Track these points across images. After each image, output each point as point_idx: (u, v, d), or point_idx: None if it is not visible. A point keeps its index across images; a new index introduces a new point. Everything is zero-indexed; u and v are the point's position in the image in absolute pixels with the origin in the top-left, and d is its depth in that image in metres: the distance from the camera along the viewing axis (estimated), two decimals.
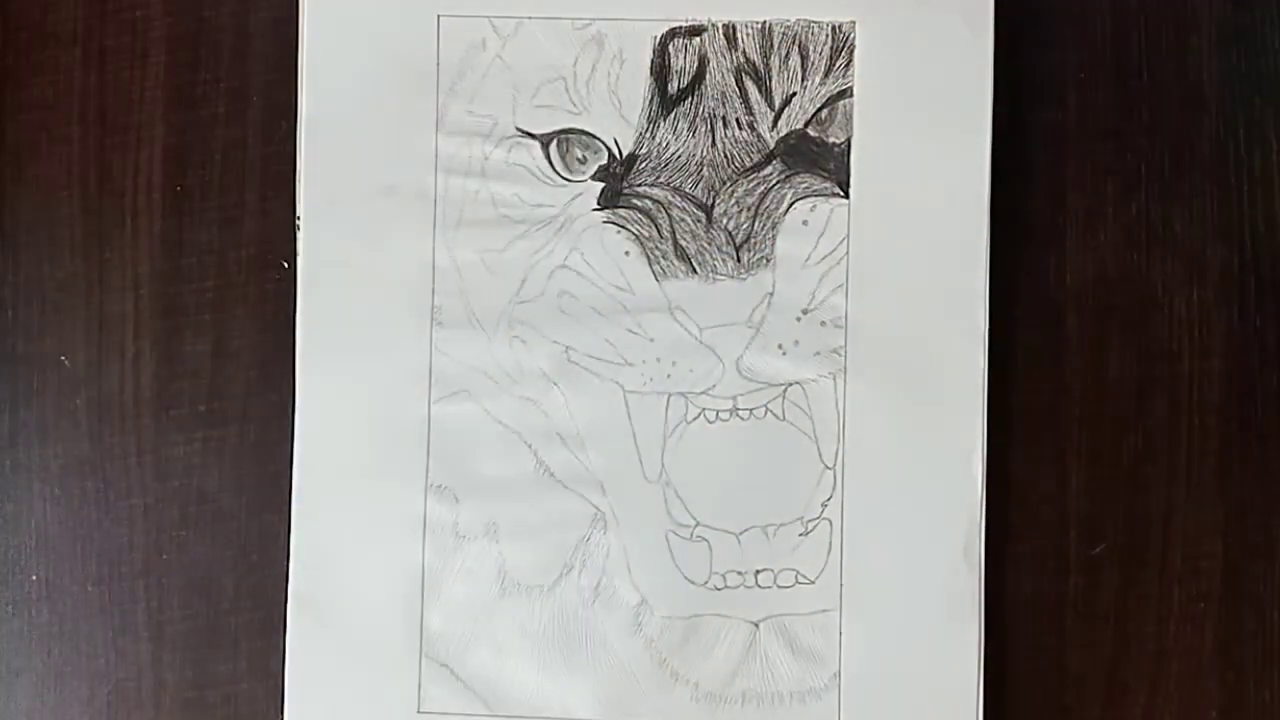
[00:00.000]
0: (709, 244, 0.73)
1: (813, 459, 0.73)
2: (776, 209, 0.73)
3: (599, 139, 0.74)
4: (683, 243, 0.73)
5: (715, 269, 0.73)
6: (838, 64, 0.73)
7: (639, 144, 0.74)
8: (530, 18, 0.74)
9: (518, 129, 0.74)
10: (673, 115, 0.73)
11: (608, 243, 0.73)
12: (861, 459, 0.73)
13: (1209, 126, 0.74)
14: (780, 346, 0.73)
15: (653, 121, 0.74)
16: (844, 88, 0.73)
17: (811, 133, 0.73)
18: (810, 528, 0.73)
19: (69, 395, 0.76)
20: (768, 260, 0.73)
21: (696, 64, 0.73)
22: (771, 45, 0.73)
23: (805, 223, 0.73)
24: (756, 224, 0.73)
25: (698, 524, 0.73)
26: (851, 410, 0.73)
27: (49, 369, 0.76)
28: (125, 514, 0.76)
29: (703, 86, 0.73)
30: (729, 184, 0.73)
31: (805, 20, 0.73)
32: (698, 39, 0.73)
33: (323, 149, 0.74)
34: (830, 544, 0.73)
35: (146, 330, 0.76)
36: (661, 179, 0.73)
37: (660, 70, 0.74)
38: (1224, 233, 0.74)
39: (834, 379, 0.73)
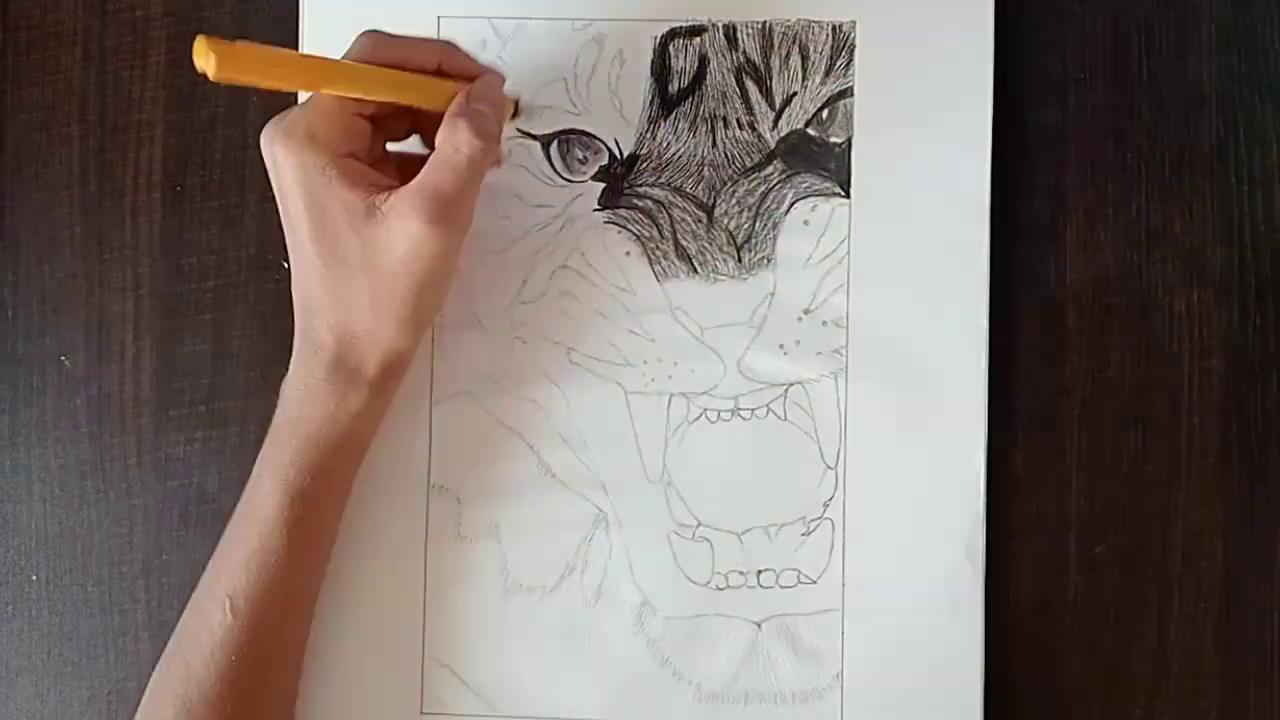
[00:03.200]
0: (710, 244, 0.73)
1: (814, 459, 0.73)
2: (777, 209, 0.73)
3: (599, 139, 0.74)
4: (684, 243, 0.73)
5: (716, 269, 0.73)
6: (838, 64, 0.73)
7: (639, 144, 0.74)
8: (530, 18, 0.74)
9: (518, 129, 0.74)
10: (673, 115, 0.73)
11: (609, 243, 0.74)
12: (863, 459, 0.73)
13: (1209, 126, 0.74)
14: (781, 346, 0.73)
15: (653, 122, 0.74)
16: (844, 87, 0.73)
17: (812, 132, 0.73)
18: (812, 528, 0.73)
19: (69, 395, 0.76)
20: (769, 260, 0.73)
21: (697, 64, 0.73)
22: (772, 45, 0.73)
23: (806, 222, 0.73)
24: (757, 224, 0.73)
25: (700, 524, 0.73)
26: (853, 410, 0.73)
27: (49, 369, 0.76)
28: (125, 514, 0.76)
29: (703, 87, 0.73)
30: (730, 184, 0.73)
31: (806, 20, 0.73)
32: (698, 39, 0.73)
33: None
34: (832, 544, 0.73)
35: (146, 330, 0.76)
36: (662, 179, 0.73)
37: (660, 70, 0.74)
38: (1224, 233, 0.74)
39: (835, 379, 0.73)
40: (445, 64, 0.68)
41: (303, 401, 0.67)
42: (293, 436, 0.67)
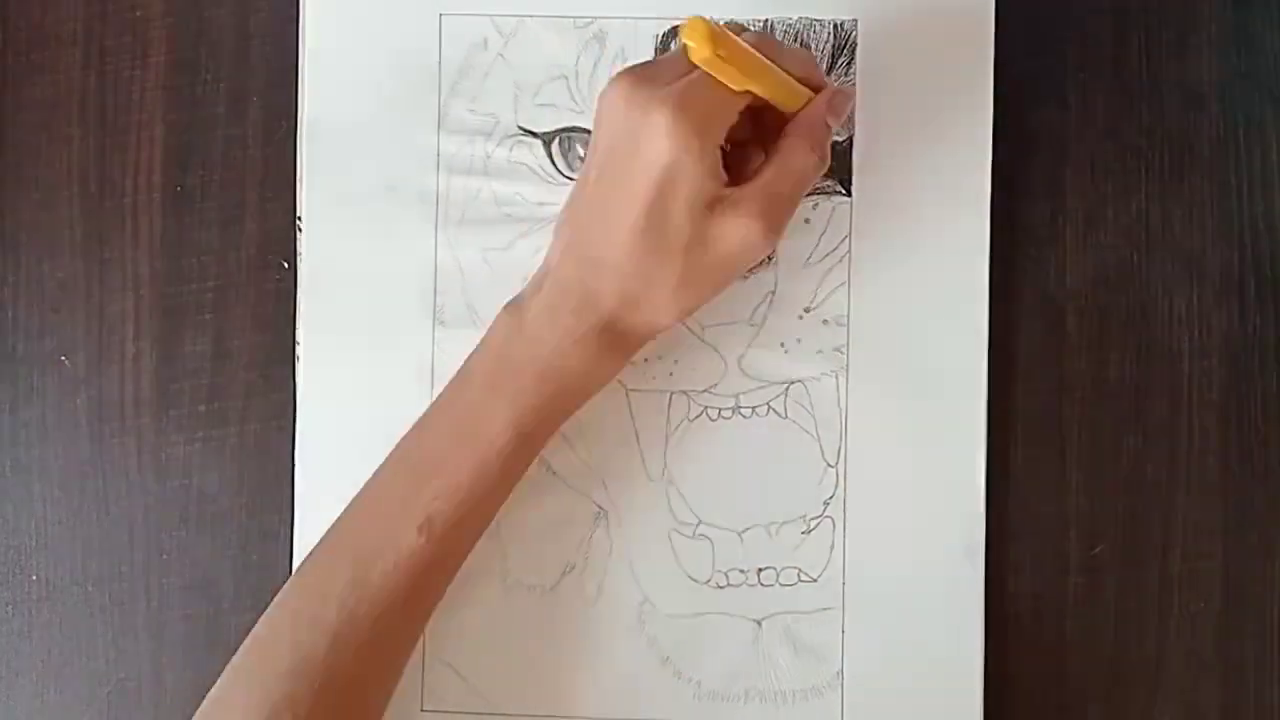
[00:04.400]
0: None
1: (815, 457, 0.73)
2: None
3: None
4: None
5: None
6: (840, 62, 0.73)
7: None
8: (532, 16, 0.74)
9: (520, 127, 0.74)
10: None
11: None
12: (863, 457, 0.73)
13: (1209, 126, 0.74)
14: (782, 345, 0.73)
15: None
16: (845, 86, 0.73)
17: None
18: (812, 526, 0.73)
19: (69, 395, 0.76)
20: (769, 258, 0.73)
21: None
22: None
23: (807, 221, 0.73)
24: None
25: (700, 522, 0.73)
26: (853, 408, 0.73)
27: (49, 369, 0.76)
28: (125, 514, 0.76)
29: None
30: None
31: (807, 18, 0.73)
32: None
33: (323, 149, 0.74)
34: (832, 542, 0.73)
35: (146, 330, 0.76)
36: None
37: None
38: (1224, 233, 0.74)
39: (836, 377, 0.73)
40: (805, 74, 0.68)
41: (561, 351, 0.67)
42: (544, 382, 0.67)
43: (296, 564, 0.72)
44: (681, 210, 0.64)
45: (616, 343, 0.68)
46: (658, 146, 0.63)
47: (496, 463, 0.67)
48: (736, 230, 0.65)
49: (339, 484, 0.71)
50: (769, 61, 0.64)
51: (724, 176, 0.65)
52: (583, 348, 0.67)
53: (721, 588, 0.73)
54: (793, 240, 0.73)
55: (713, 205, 0.64)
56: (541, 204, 0.74)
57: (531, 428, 0.68)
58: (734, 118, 0.65)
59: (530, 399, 0.67)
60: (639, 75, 0.65)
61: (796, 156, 0.66)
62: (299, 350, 0.74)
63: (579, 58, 0.74)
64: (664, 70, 0.65)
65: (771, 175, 0.66)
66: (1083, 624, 0.74)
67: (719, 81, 0.63)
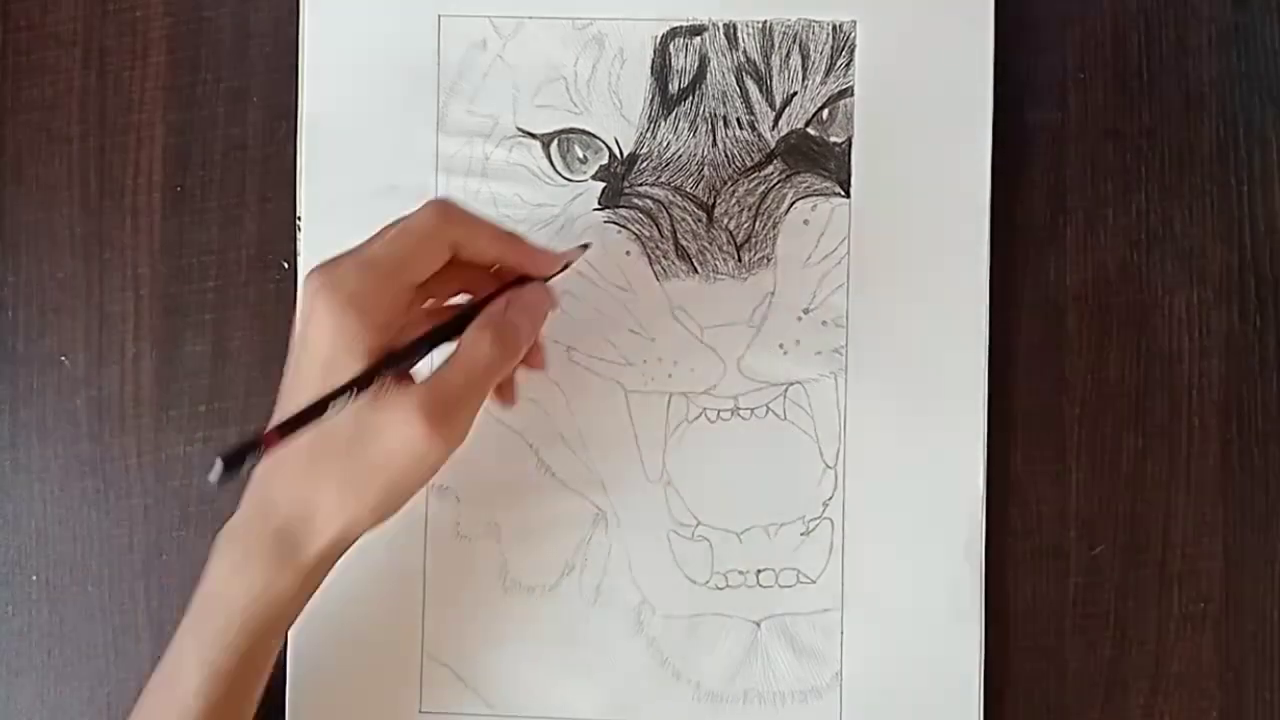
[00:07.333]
0: (710, 244, 0.73)
1: (814, 458, 0.73)
2: (777, 208, 0.73)
3: (600, 139, 0.74)
4: (684, 242, 0.73)
5: (716, 269, 0.73)
6: (838, 63, 0.73)
7: (640, 143, 0.74)
8: (531, 18, 0.74)
9: (518, 129, 0.74)
10: (673, 115, 0.73)
11: (609, 242, 0.74)
12: (862, 458, 0.73)
13: (1209, 126, 0.74)
14: (781, 346, 0.73)
15: (653, 121, 0.74)
16: (845, 87, 0.73)
17: (812, 132, 0.73)
18: (811, 527, 0.73)
19: (69, 395, 0.76)
20: (768, 260, 0.73)
21: (697, 63, 0.73)
22: (772, 45, 0.73)
23: (806, 222, 0.73)
24: (757, 223, 0.73)
25: (699, 523, 0.73)
26: (852, 409, 0.73)
27: (49, 369, 0.76)
28: (125, 514, 0.76)
29: (703, 86, 0.73)
30: (730, 183, 0.73)
31: (806, 20, 0.73)
32: (698, 38, 0.73)
33: (323, 149, 0.74)
34: (831, 543, 0.73)
35: (146, 330, 0.76)
36: (662, 179, 0.73)
37: (661, 70, 0.74)
38: (1224, 233, 0.74)
39: (835, 378, 0.73)
40: (506, 257, 0.65)
41: (230, 578, 0.63)
42: (217, 614, 0.63)
43: None
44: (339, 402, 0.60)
45: (291, 555, 0.63)
46: (312, 333, 0.61)
47: (195, 709, 0.63)
48: (395, 426, 0.61)
49: None
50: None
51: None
52: (252, 569, 0.63)
53: (720, 589, 0.73)
54: (792, 241, 0.73)
55: (376, 397, 0.61)
56: (540, 205, 0.74)
57: (220, 665, 0.63)
58: (403, 295, 0.62)
59: (208, 635, 0.63)
60: (328, 263, 0.62)
61: (475, 348, 0.63)
62: None
63: (578, 59, 0.74)
64: (352, 252, 0.63)
65: (445, 368, 0.62)
66: (1083, 624, 0.74)
67: (396, 260, 0.62)
